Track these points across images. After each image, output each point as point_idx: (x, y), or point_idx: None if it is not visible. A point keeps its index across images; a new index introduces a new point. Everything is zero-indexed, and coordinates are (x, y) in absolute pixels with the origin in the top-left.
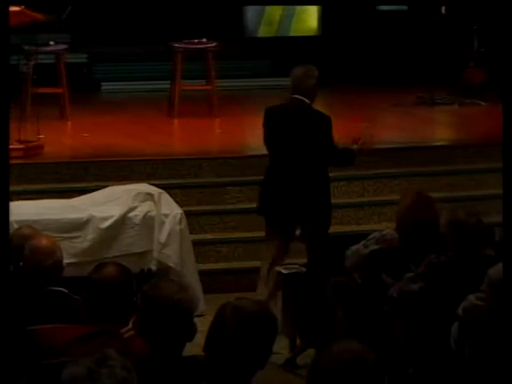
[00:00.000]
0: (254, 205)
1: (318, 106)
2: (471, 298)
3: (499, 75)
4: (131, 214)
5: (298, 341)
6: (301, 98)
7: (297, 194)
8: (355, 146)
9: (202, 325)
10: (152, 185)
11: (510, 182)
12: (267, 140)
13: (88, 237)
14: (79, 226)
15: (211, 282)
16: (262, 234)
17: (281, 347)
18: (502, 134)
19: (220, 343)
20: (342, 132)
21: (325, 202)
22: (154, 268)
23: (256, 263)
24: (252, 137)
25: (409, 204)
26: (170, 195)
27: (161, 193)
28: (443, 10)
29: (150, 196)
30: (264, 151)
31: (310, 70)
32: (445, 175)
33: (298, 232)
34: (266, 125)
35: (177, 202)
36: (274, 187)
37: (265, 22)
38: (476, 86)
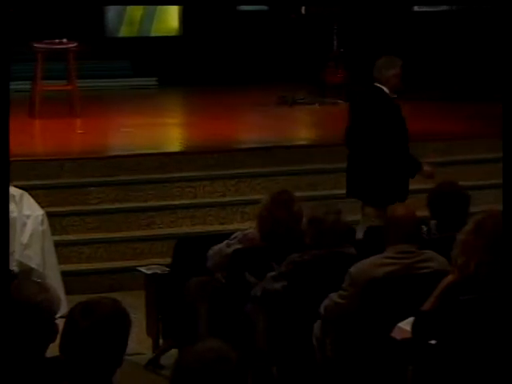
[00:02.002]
0: (116, 205)
1: (179, 105)
2: (333, 296)
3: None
4: None
5: (161, 341)
6: (379, 85)
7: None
8: (427, 169)
9: None
10: (13, 186)
11: (511, 180)
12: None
13: None
14: None
15: (74, 282)
16: (124, 234)
17: (144, 347)
18: (502, 132)
19: (73, 342)
20: (206, 131)
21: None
22: (15, 269)
23: (119, 263)
24: (113, 137)
25: (268, 203)
26: (32, 196)
27: (22, 194)
28: (303, 10)
29: (11, 197)
30: (128, 152)
31: (391, 61)
32: (306, 174)
33: None
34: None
35: (39, 203)
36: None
37: (126, 21)
38: (336, 86)
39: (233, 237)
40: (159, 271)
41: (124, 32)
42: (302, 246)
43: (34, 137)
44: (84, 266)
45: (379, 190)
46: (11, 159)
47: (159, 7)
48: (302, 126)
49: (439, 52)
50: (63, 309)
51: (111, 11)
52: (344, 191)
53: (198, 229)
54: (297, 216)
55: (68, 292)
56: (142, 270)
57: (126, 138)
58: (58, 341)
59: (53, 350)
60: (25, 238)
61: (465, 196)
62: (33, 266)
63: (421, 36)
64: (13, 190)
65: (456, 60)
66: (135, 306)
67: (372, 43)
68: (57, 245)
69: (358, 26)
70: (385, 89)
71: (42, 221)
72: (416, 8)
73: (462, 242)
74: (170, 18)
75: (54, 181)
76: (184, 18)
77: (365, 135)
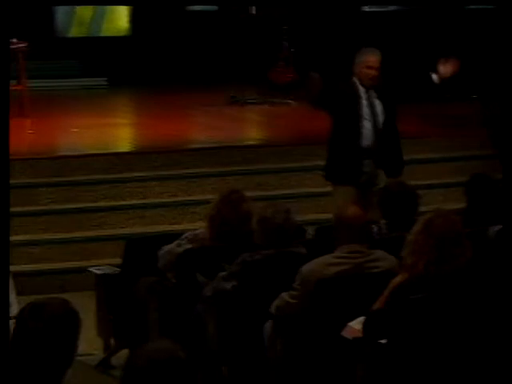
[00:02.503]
0: (66, 206)
1: (129, 105)
2: (284, 295)
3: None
4: None
5: (112, 341)
6: (353, 77)
7: None
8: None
9: None
10: None
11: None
12: None
13: None
14: None
15: (24, 283)
16: (74, 234)
17: (95, 348)
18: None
19: (23, 343)
20: (156, 131)
21: None
22: None
23: (69, 264)
24: (64, 137)
25: (217, 203)
26: None
27: None
28: (253, 10)
29: None
30: (78, 152)
31: (360, 52)
32: (256, 174)
33: None
34: None
35: None
36: None
37: (76, 22)
38: (286, 86)
39: (183, 237)
40: (110, 272)
41: (74, 32)
42: (253, 245)
43: None
44: (35, 267)
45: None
46: None
47: (109, 7)
48: (252, 126)
49: (388, 52)
50: (14, 310)
51: (61, 11)
52: (294, 191)
53: (149, 229)
54: (246, 216)
55: (19, 293)
56: (93, 270)
57: (76, 139)
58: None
59: None
60: None
61: (414, 195)
62: None
63: (371, 36)
64: None
65: (404, 60)
66: (86, 306)
67: (322, 43)
68: None
69: (307, 26)
70: (355, 79)
71: None
72: (366, 8)
73: (411, 242)
74: (120, 19)
75: None
76: (133, 18)
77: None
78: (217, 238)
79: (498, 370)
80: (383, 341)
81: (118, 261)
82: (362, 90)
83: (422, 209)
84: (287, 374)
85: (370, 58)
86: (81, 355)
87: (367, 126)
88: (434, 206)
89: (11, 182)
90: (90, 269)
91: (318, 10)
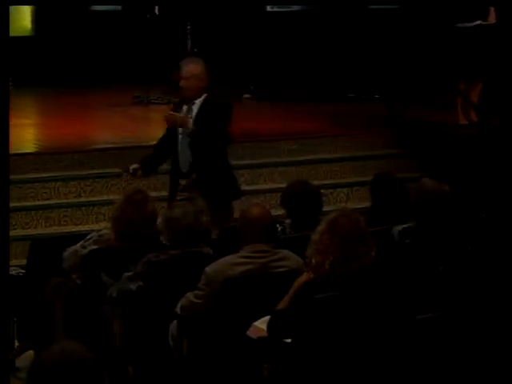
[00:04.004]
0: None
1: (34, 106)
2: (189, 295)
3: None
4: None
5: (16, 343)
6: None
7: None
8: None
9: None
10: None
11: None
12: None
13: None
14: None
15: None
16: None
17: None
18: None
19: None
20: (61, 132)
21: None
22: None
23: None
24: None
25: (121, 203)
26: None
27: None
28: (157, 10)
29: None
30: None
31: None
32: (162, 174)
33: None
34: None
35: None
36: None
37: None
38: None
39: (88, 237)
40: (14, 273)
41: None
42: (158, 245)
43: None
44: None
45: None
46: None
47: (11, 7)
48: (157, 126)
49: (292, 51)
50: None
51: None
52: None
53: (54, 230)
54: (150, 216)
55: None
56: None
57: None
58: None
59: None
60: None
61: (318, 195)
62: None
63: (274, 35)
64: None
65: (310, 60)
66: None
67: (226, 43)
68: None
69: (211, 26)
70: None
71: None
72: (269, 8)
73: (315, 242)
74: (23, 19)
75: None
76: (37, 18)
77: None
78: (122, 239)
79: (402, 367)
80: (288, 340)
81: (23, 262)
82: (185, 104)
83: (326, 208)
84: (193, 373)
85: (182, 68)
86: None
87: (179, 143)
88: (338, 206)
89: None
90: None
91: (222, 10)
